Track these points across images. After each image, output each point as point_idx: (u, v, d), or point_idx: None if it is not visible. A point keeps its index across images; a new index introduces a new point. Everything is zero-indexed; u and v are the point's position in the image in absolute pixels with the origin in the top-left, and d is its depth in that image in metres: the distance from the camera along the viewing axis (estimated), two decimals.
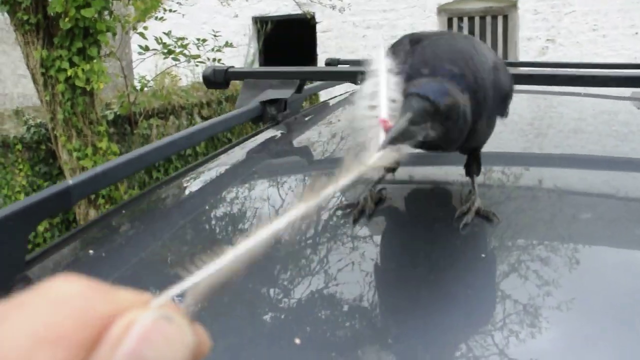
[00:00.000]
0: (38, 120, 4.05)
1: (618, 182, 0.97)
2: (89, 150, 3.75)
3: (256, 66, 9.97)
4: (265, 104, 1.18)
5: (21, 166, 3.93)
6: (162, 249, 0.70)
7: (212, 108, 5.53)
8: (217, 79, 1.23)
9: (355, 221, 0.73)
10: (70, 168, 3.85)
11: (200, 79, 4.84)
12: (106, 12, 3.54)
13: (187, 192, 0.91)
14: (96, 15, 3.40)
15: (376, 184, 0.80)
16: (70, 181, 0.62)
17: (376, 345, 0.56)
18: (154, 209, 0.84)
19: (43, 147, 4.01)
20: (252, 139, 1.17)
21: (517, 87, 1.03)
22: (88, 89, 3.58)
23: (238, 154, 1.08)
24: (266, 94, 1.19)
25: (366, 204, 0.76)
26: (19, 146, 3.91)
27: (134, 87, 4.41)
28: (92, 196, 3.82)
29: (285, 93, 1.19)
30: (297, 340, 0.53)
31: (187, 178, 0.95)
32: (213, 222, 0.80)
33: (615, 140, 1.30)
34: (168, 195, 0.89)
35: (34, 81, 3.79)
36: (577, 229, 0.79)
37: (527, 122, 1.53)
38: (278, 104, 1.21)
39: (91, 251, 0.65)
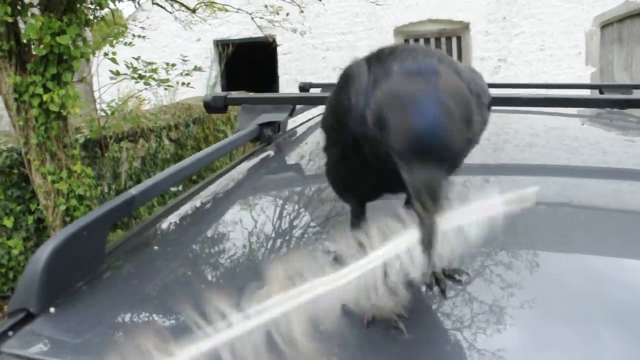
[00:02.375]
0: (9, 145, 4.07)
1: (571, 190, 1.06)
2: (64, 174, 3.80)
3: (218, 89, 10.08)
4: (262, 126, 1.34)
5: None
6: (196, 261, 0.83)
7: (180, 130, 5.63)
8: (217, 104, 1.39)
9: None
10: (45, 191, 3.88)
11: (165, 102, 4.94)
12: (80, 39, 3.62)
13: (207, 205, 1.05)
14: (70, 42, 3.49)
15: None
16: (133, 191, 0.77)
17: None
18: (195, 214, 0.98)
19: (15, 171, 4.03)
20: (252, 157, 1.33)
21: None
22: (64, 114, 3.65)
23: (243, 169, 1.24)
24: (263, 117, 1.35)
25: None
26: None
27: (105, 111, 4.48)
28: (67, 218, 3.86)
29: (280, 116, 1.35)
30: None
31: (205, 192, 1.09)
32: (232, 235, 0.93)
33: (567, 153, 1.41)
34: (201, 203, 1.02)
35: (7, 107, 3.82)
36: (535, 236, 0.84)
37: (484, 137, 1.72)
38: (273, 126, 1.37)
39: (156, 247, 0.80)
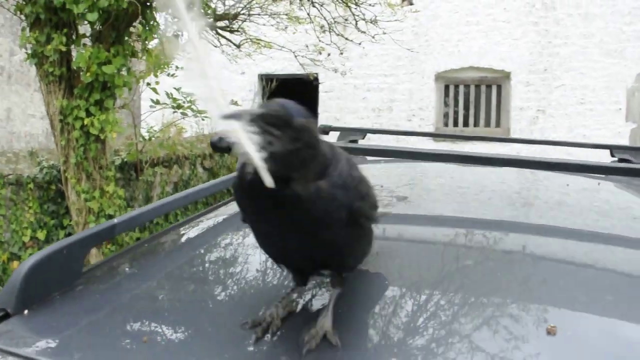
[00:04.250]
0: (50, 162, 4.35)
1: (598, 253, 1.06)
2: (97, 193, 4.03)
3: None
4: None
5: (31, 204, 4.20)
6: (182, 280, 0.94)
7: (214, 159, 5.85)
8: (222, 144, 1.51)
9: (257, 339, 0.70)
10: (77, 208, 4.12)
11: (204, 131, 5.15)
12: (124, 69, 3.89)
13: (189, 236, 1.17)
14: (115, 71, 3.75)
15: (286, 297, 0.77)
16: (115, 220, 0.89)
17: None
18: (184, 244, 1.10)
19: (53, 187, 4.29)
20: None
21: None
22: (102, 137, 3.90)
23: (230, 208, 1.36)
24: None
25: (272, 322, 0.72)
26: (31, 185, 4.19)
27: (143, 137, 4.73)
28: None
29: None
30: None
31: (188, 226, 1.21)
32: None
33: (596, 215, 1.41)
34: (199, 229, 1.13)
35: (52, 126, 4.10)
36: (548, 292, 0.85)
37: (514, 191, 1.68)
38: None
39: (128, 269, 0.92)
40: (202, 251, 1.06)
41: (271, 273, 0.89)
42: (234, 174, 1.41)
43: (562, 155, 2.19)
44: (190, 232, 1.17)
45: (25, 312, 0.75)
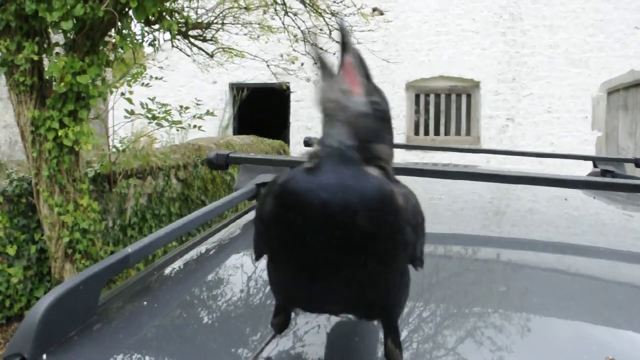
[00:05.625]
0: (20, 174, 4.19)
1: (568, 261, 1.10)
2: (71, 207, 3.90)
3: (230, 131, 10.30)
4: (260, 185, 1.42)
5: (0, 218, 4.04)
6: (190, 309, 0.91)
7: (188, 170, 5.75)
8: (219, 161, 1.47)
9: None
10: (50, 222, 3.98)
11: (177, 142, 5.08)
12: (99, 79, 3.78)
13: (199, 261, 1.13)
14: (90, 81, 3.65)
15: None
16: (128, 249, 0.85)
17: None
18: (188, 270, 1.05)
19: (23, 200, 4.13)
20: (247, 214, 1.42)
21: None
22: (76, 149, 3.78)
23: (238, 225, 1.32)
24: (261, 177, 1.44)
25: None
26: (0, 199, 4.03)
27: (117, 148, 4.62)
28: (69, 251, 3.94)
29: None
30: None
31: (198, 249, 1.17)
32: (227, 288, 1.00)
33: (567, 222, 1.47)
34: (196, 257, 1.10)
35: (23, 138, 3.96)
36: (529, 301, 0.88)
37: (486, 200, 1.73)
38: None
39: (144, 302, 0.87)
40: (220, 275, 1.02)
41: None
42: (249, 187, 1.39)
43: (533, 164, 2.24)
44: (204, 253, 1.13)
45: (44, 356, 0.70)
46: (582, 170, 2.25)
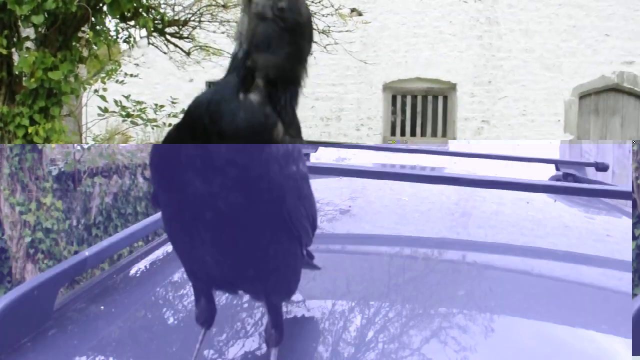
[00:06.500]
0: None
1: (533, 260, 1.13)
2: (33, 205, 3.83)
3: None
4: None
5: None
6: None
7: None
8: None
9: None
10: (11, 221, 3.90)
11: (152, 140, 5.02)
12: (72, 75, 3.72)
13: (157, 265, 1.12)
14: (62, 78, 3.59)
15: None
16: (86, 252, 0.84)
17: None
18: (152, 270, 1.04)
19: None
20: None
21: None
22: (40, 147, 3.71)
23: None
24: None
25: None
26: None
27: (81, 146, 4.55)
28: (31, 250, 3.88)
29: None
30: None
31: (156, 253, 1.15)
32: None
33: (530, 224, 1.50)
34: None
35: None
36: (493, 302, 0.89)
37: (453, 202, 1.76)
38: None
39: (101, 307, 0.86)
40: (183, 276, 1.01)
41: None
42: None
43: (500, 164, 2.27)
44: (170, 253, 1.12)
45: None
46: (548, 171, 2.29)
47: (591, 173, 2.25)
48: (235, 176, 0.51)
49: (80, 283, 0.96)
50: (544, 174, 2.22)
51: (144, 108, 4.58)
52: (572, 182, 1.84)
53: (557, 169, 2.24)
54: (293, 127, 0.57)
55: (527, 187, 1.21)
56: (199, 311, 0.65)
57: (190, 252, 0.59)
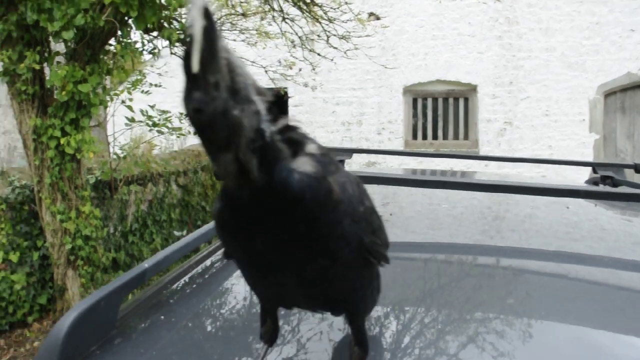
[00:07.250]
0: (23, 182, 4.21)
1: (568, 267, 1.12)
2: (73, 214, 3.92)
3: None
4: None
5: (3, 225, 4.05)
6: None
7: (188, 177, 5.78)
8: None
9: None
10: (52, 229, 4.00)
11: (176, 148, 5.09)
12: (100, 87, 3.81)
13: (213, 272, 1.15)
14: (91, 89, 3.67)
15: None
16: (145, 264, 0.87)
17: None
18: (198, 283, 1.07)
19: (26, 207, 4.15)
20: None
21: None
22: (78, 157, 3.80)
23: None
24: None
25: None
26: (3, 206, 4.04)
27: (117, 155, 4.64)
28: (72, 257, 3.97)
29: None
30: None
31: (211, 259, 1.19)
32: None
33: (566, 227, 1.50)
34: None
35: (25, 146, 3.98)
36: (530, 306, 0.90)
37: (485, 206, 1.75)
38: None
39: (162, 316, 0.90)
40: (232, 286, 1.04)
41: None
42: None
43: (531, 167, 2.25)
44: (215, 263, 1.15)
45: None
46: (582, 173, 2.26)
47: (629, 175, 2.21)
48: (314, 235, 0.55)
49: (134, 292, 1.00)
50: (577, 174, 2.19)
51: (169, 117, 4.66)
52: (610, 185, 1.81)
53: (595, 171, 2.20)
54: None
55: (568, 193, 1.20)
56: (264, 330, 0.68)
57: (269, 286, 0.63)
